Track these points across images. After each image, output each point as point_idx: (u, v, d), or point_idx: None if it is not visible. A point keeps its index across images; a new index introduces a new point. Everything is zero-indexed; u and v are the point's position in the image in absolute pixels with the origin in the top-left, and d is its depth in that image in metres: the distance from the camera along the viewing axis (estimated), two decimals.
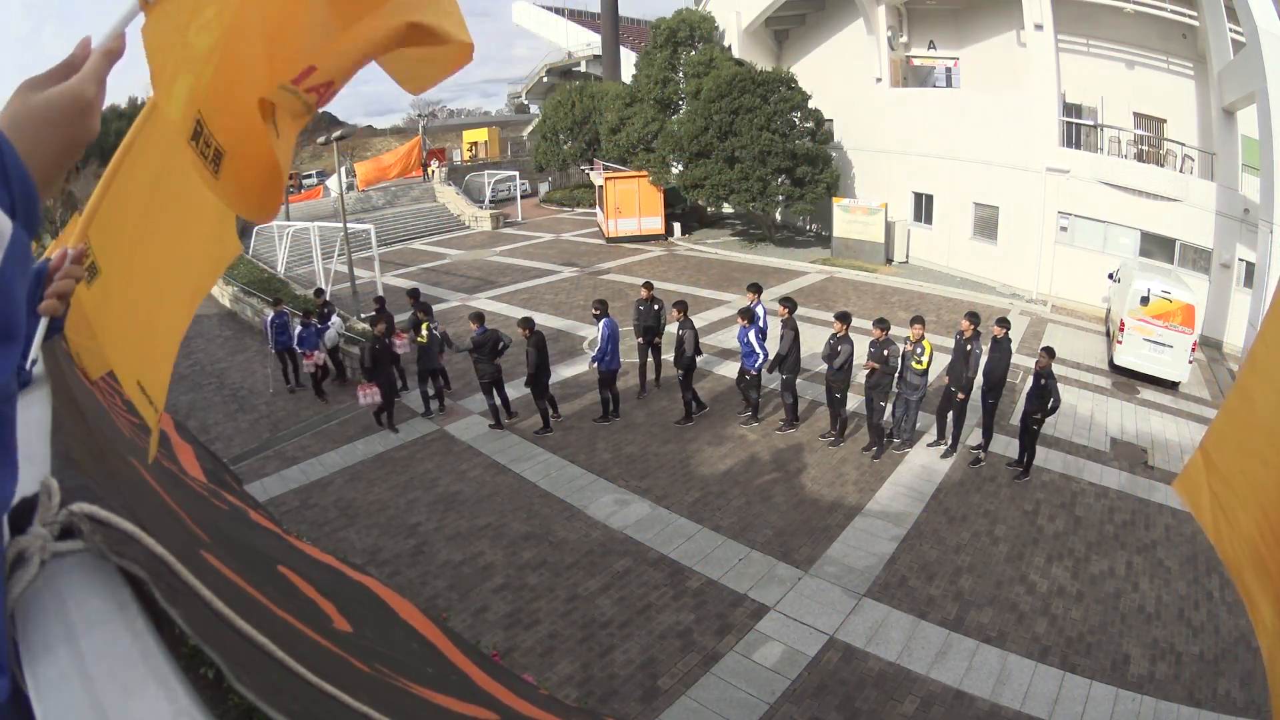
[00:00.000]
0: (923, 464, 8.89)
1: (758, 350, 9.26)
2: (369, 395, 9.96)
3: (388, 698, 0.84)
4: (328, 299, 12.53)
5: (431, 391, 10.65)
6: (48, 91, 0.64)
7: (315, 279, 19.13)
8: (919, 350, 8.63)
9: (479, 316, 9.68)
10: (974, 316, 8.74)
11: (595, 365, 9.70)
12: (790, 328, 9.21)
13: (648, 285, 11.14)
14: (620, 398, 10.22)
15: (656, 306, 10.72)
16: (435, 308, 16.18)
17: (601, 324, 9.48)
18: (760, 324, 9.43)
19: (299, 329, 11.22)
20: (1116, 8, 15.34)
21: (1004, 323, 8.74)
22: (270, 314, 11.76)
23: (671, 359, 10.10)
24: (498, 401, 9.93)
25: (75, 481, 0.57)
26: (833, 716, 5.14)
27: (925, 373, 8.74)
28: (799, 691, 5.36)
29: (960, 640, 5.93)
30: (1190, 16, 14.65)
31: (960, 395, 8.71)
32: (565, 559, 7.00)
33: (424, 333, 10.19)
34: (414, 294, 11.82)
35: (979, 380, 8.77)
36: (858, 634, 5.97)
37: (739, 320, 9.42)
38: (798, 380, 9.69)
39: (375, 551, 7.20)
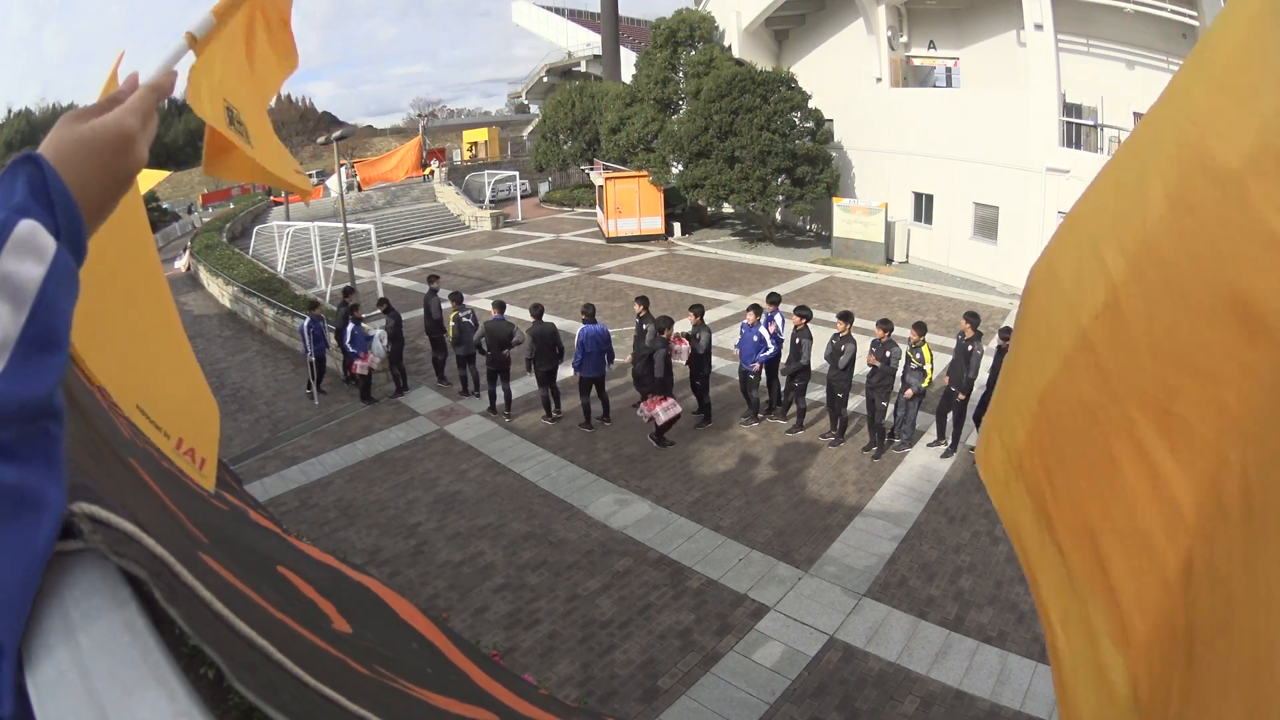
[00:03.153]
0: (923, 464, 8.90)
1: (769, 345, 9.34)
2: (669, 410, 8.68)
3: (387, 700, 0.84)
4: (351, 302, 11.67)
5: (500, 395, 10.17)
6: (90, 122, 0.65)
7: (315, 279, 19.16)
8: (919, 356, 8.62)
9: (500, 305, 9.93)
10: (973, 317, 8.74)
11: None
12: (806, 336, 9.21)
13: (642, 300, 9.77)
14: (591, 407, 9.86)
15: (645, 327, 9.66)
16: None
17: (578, 331, 9.39)
18: (770, 326, 9.54)
19: (350, 328, 10.51)
20: (1116, 8, 15.33)
21: (1007, 333, 8.67)
22: (306, 319, 11.10)
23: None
24: (499, 392, 10.07)
25: (75, 481, 0.57)
26: (833, 716, 5.14)
27: (924, 372, 8.74)
28: (799, 691, 5.36)
29: (960, 640, 5.93)
30: (1190, 16, 14.64)
31: (960, 396, 8.71)
32: (565, 559, 7.00)
33: (451, 324, 10.34)
34: (433, 279, 11.90)
35: (982, 382, 8.77)
36: (858, 634, 5.97)
37: (750, 316, 9.53)
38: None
39: (375, 551, 7.21)
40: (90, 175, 0.62)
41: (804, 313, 9.29)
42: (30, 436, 0.50)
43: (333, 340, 11.49)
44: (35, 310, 0.50)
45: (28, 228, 0.52)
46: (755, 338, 9.43)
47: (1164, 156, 0.92)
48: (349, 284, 13.97)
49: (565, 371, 11.70)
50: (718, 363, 12.02)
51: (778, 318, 9.69)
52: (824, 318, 12.40)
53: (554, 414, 10.12)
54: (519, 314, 15.18)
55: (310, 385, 11.34)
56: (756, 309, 9.62)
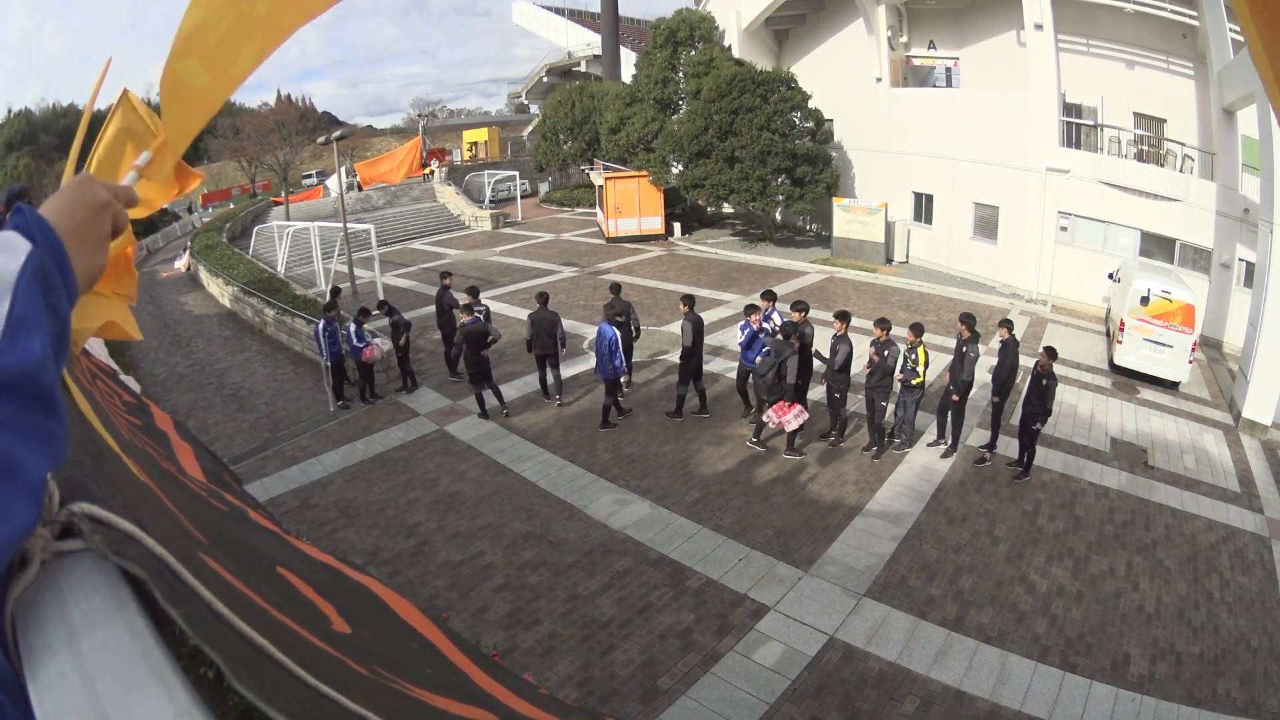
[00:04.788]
0: (923, 464, 8.90)
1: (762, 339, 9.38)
2: (799, 416, 8.51)
3: (386, 700, 0.84)
4: (336, 303, 11.73)
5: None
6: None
7: (315, 279, 19.16)
8: (914, 357, 8.62)
9: (468, 308, 10.08)
10: (968, 319, 8.74)
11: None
12: (807, 328, 9.24)
13: (614, 288, 10.76)
14: (610, 409, 9.92)
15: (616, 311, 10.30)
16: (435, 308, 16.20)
17: (598, 329, 9.51)
18: (768, 323, 9.57)
19: (353, 328, 10.55)
20: (1116, 8, 15.34)
21: (1008, 324, 8.65)
22: (321, 322, 10.63)
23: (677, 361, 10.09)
24: (485, 392, 10.18)
25: (75, 481, 0.57)
26: (833, 716, 5.14)
27: (921, 385, 8.75)
28: (799, 691, 5.36)
29: (960, 640, 5.93)
30: (1190, 16, 14.64)
31: (955, 396, 8.71)
32: (565, 559, 7.00)
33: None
34: (445, 275, 12.37)
35: (986, 381, 8.76)
36: (858, 634, 5.97)
37: (748, 315, 9.53)
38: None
39: (375, 551, 7.21)
40: (66, 214, 0.71)
41: (801, 307, 9.32)
42: (23, 414, 0.52)
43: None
44: (16, 296, 0.56)
45: (2, 234, 0.61)
46: (750, 334, 9.46)
47: None
48: (336, 285, 14.01)
49: (573, 368, 11.71)
50: (721, 364, 12.03)
51: (775, 315, 9.73)
52: (824, 318, 12.41)
53: (548, 397, 10.66)
54: (518, 314, 15.21)
55: (340, 394, 10.94)
56: (753, 309, 9.63)
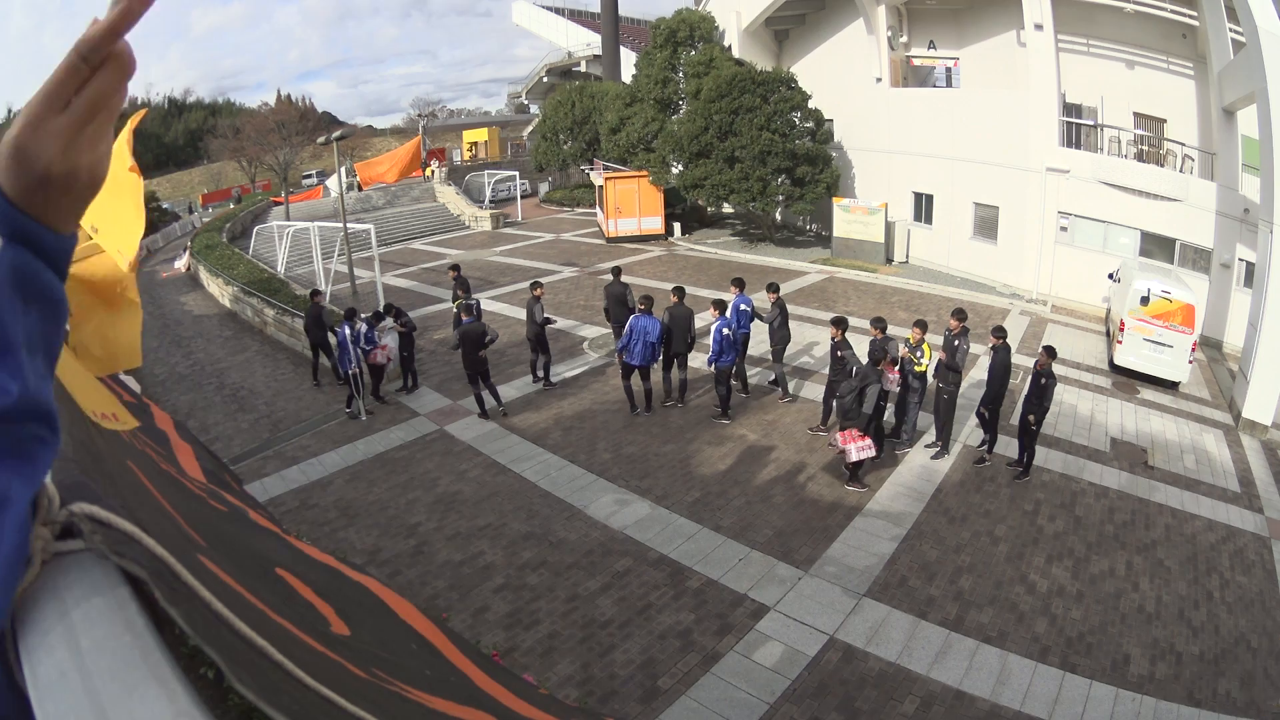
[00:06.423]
0: (923, 464, 8.90)
1: (712, 345, 9.58)
2: (863, 450, 7.80)
3: (384, 703, 0.84)
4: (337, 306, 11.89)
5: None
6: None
7: (315, 279, 19.16)
8: (919, 354, 8.64)
9: (467, 308, 10.24)
10: (960, 314, 8.77)
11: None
12: (778, 307, 9.74)
13: (615, 271, 12.28)
14: (636, 396, 10.29)
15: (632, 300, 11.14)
16: (435, 308, 16.21)
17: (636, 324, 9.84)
18: (731, 316, 9.88)
19: (363, 329, 10.42)
20: (1116, 8, 15.33)
21: (1000, 332, 8.64)
22: (346, 330, 10.12)
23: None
24: (484, 392, 10.25)
25: (74, 481, 0.57)
26: (833, 716, 5.14)
27: (924, 375, 8.78)
28: (799, 691, 5.37)
29: (960, 640, 5.93)
30: (1190, 16, 14.65)
31: (942, 385, 8.71)
32: (565, 559, 7.00)
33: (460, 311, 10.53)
34: (456, 268, 13.24)
35: (978, 380, 8.76)
36: (858, 634, 5.97)
37: (713, 311, 9.74)
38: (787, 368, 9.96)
39: (375, 551, 7.21)
40: (19, 162, 0.52)
41: (774, 287, 9.52)
42: (9, 444, 0.49)
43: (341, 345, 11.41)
44: None
45: None
46: (718, 336, 9.58)
47: None
48: (316, 287, 13.97)
49: (575, 367, 11.70)
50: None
51: (739, 301, 10.15)
52: (824, 318, 12.42)
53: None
54: (518, 314, 15.20)
55: (352, 403, 10.58)
56: (719, 304, 9.78)
